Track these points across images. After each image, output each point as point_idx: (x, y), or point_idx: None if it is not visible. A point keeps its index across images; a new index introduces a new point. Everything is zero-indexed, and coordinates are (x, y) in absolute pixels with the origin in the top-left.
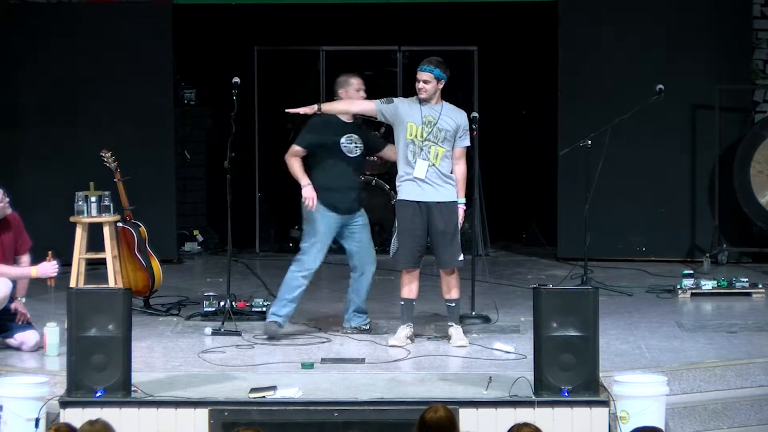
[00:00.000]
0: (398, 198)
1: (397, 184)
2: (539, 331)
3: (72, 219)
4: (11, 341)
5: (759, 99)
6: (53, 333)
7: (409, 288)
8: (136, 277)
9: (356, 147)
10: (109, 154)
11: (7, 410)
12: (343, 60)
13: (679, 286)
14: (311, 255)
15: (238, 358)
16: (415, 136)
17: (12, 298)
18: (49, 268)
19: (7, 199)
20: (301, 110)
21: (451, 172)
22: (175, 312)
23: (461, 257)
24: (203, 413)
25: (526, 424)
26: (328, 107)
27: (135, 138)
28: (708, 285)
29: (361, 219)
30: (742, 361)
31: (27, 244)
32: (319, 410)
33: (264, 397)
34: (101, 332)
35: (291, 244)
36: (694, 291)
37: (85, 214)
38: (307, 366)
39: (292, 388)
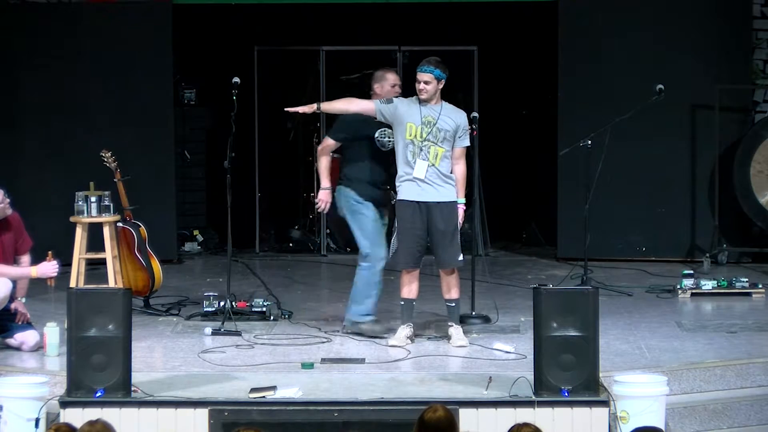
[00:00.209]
0: (398, 198)
1: (397, 184)
2: (539, 331)
3: (72, 219)
4: (11, 341)
5: (759, 99)
6: (53, 333)
7: (409, 288)
8: (136, 277)
9: (389, 141)
10: (109, 154)
11: (7, 410)
12: (343, 60)
13: (679, 286)
14: (374, 247)
15: (238, 358)
16: (415, 136)
17: (12, 298)
18: (49, 268)
19: (8, 200)
20: (300, 109)
21: (451, 172)
22: (175, 312)
23: (461, 257)
24: (203, 413)
25: (526, 424)
26: (327, 106)
27: (135, 138)
28: (708, 285)
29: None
30: (742, 361)
31: (27, 244)
32: (319, 410)
33: (264, 397)
34: (101, 332)
35: (291, 244)
36: (694, 291)
37: (85, 214)
38: (307, 366)
39: (292, 388)
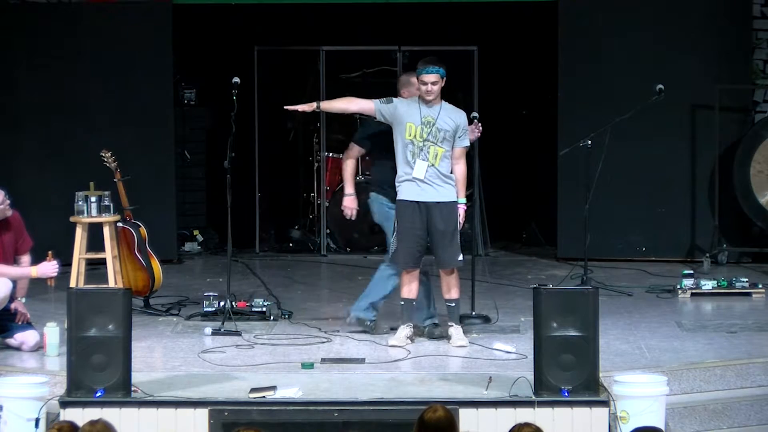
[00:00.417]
0: (398, 198)
1: (397, 184)
2: (539, 331)
3: (72, 219)
4: (11, 341)
5: (759, 99)
6: (53, 333)
7: (409, 288)
8: (136, 277)
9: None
10: (109, 154)
11: (7, 410)
12: (343, 60)
13: (679, 286)
14: None
15: (238, 358)
16: (415, 136)
17: (12, 298)
18: (49, 268)
19: (8, 201)
20: (300, 108)
21: (451, 172)
22: (175, 312)
23: (461, 257)
24: (203, 413)
25: (527, 424)
26: (327, 105)
27: (135, 138)
28: (708, 285)
29: None
30: (742, 361)
31: (27, 244)
32: (319, 410)
33: (264, 397)
34: (101, 332)
35: (291, 244)
36: (694, 291)
37: (85, 214)
38: (307, 366)
39: (292, 388)
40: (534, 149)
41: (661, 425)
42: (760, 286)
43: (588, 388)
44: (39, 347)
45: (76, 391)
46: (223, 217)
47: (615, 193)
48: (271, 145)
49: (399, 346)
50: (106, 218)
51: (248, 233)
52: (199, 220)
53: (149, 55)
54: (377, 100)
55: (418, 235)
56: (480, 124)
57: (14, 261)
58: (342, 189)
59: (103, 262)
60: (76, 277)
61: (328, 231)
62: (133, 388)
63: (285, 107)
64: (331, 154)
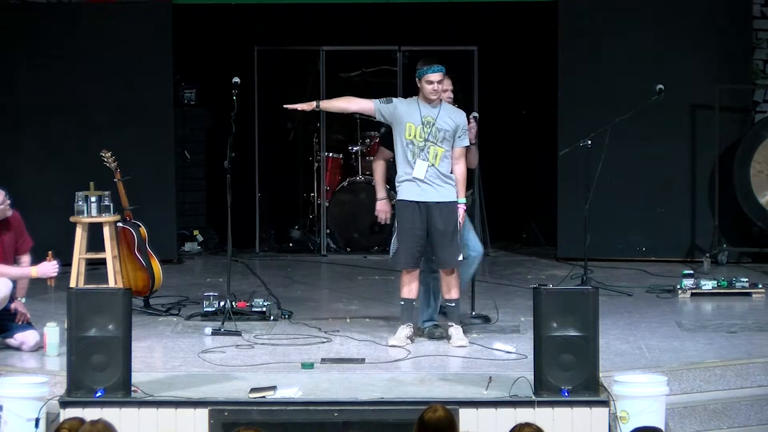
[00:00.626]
0: (398, 198)
1: (397, 184)
2: (539, 331)
3: (72, 219)
4: (11, 341)
5: (759, 99)
6: (53, 333)
7: (409, 288)
8: (136, 277)
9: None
10: (109, 154)
11: (7, 410)
12: (343, 60)
13: (679, 286)
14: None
15: (238, 358)
16: (414, 136)
17: (12, 298)
18: (49, 268)
19: (8, 201)
20: (299, 106)
21: (451, 172)
22: (175, 312)
23: (461, 257)
24: (203, 413)
25: (527, 424)
26: (326, 105)
27: (135, 138)
28: (708, 285)
29: None
30: (742, 361)
31: (28, 244)
32: (319, 410)
33: (264, 397)
34: (101, 332)
35: (291, 244)
36: (694, 291)
37: (85, 214)
38: (307, 366)
39: (292, 388)
40: (534, 149)
41: (661, 425)
42: (760, 286)
43: (588, 388)
44: (39, 347)
45: (76, 391)
46: (223, 217)
47: (615, 193)
48: (271, 145)
49: (399, 346)
50: (106, 218)
51: (248, 233)
52: (199, 220)
53: (149, 55)
54: (377, 100)
55: (418, 235)
56: (474, 122)
57: (14, 261)
58: (342, 189)
59: (103, 262)
60: (76, 277)
61: (328, 231)
62: (133, 388)
63: (285, 106)
64: (331, 154)
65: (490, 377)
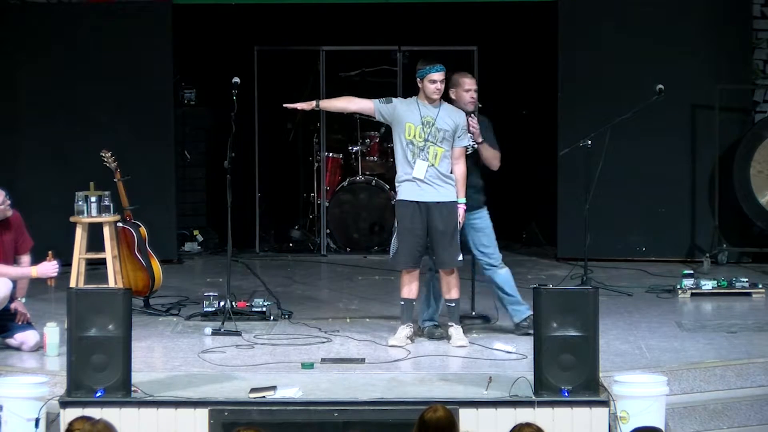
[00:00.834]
0: (398, 198)
1: (397, 184)
2: (539, 331)
3: (72, 219)
4: (11, 341)
5: (759, 99)
6: (53, 333)
7: (409, 288)
8: (136, 277)
9: (472, 144)
10: (109, 154)
11: (7, 410)
12: (343, 60)
13: (679, 286)
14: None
15: (238, 358)
16: (414, 136)
17: (12, 298)
18: (49, 268)
19: (9, 201)
20: (299, 106)
21: (451, 172)
22: (175, 312)
23: (461, 257)
24: (203, 413)
25: (528, 424)
26: (326, 104)
27: (135, 138)
28: (708, 285)
29: (479, 216)
30: (742, 361)
31: (28, 244)
32: (319, 410)
33: (264, 397)
34: (101, 332)
35: (291, 244)
36: (694, 291)
37: (85, 214)
38: (307, 366)
39: (292, 388)
40: (534, 149)
41: (661, 425)
42: (760, 286)
43: (588, 388)
44: (39, 347)
45: (76, 391)
46: (223, 217)
47: (615, 193)
48: (271, 145)
49: (399, 346)
50: (106, 218)
51: (248, 233)
52: (199, 220)
53: (149, 55)
54: (376, 100)
55: (418, 235)
56: (474, 119)
57: (14, 261)
58: (342, 189)
59: (103, 262)
60: (76, 277)
61: (328, 231)
62: (133, 388)
63: (284, 105)
64: (331, 154)
65: (490, 377)
